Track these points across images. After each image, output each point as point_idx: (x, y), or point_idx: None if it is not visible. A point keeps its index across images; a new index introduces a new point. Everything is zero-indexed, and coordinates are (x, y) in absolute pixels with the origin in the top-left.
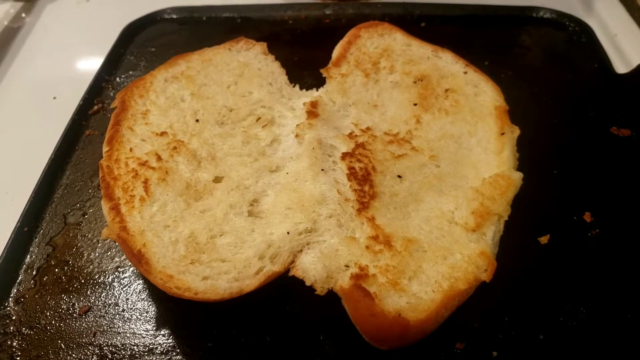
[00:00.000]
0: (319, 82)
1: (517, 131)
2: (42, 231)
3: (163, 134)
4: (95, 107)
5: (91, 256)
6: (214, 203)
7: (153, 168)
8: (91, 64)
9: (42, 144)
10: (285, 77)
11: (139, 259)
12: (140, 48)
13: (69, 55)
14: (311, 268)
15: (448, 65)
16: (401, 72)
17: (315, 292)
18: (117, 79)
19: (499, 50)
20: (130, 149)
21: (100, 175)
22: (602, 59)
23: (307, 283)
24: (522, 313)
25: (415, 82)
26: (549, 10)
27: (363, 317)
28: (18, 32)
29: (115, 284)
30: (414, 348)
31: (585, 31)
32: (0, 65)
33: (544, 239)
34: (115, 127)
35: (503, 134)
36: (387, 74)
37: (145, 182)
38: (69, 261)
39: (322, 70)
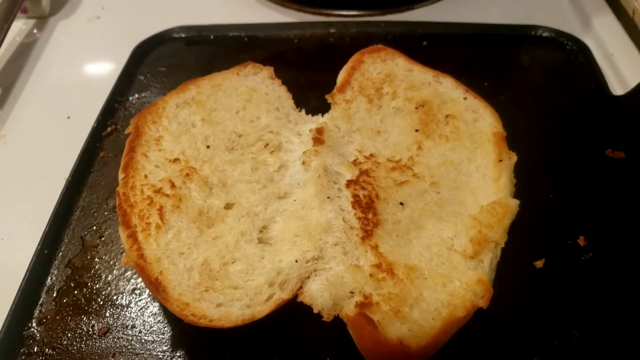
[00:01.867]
0: (324, 104)
1: (514, 157)
2: (61, 253)
3: (176, 160)
4: (109, 129)
5: (108, 278)
6: (226, 230)
7: (167, 195)
8: (103, 82)
9: (58, 165)
10: (292, 102)
11: (156, 287)
12: (151, 68)
13: (81, 73)
14: (318, 295)
15: (448, 90)
16: (403, 98)
17: (323, 319)
18: (129, 99)
19: (499, 71)
20: (145, 176)
21: (117, 203)
22: (598, 80)
23: (315, 310)
24: (517, 336)
25: (417, 108)
26: (547, 29)
27: (367, 343)
28: (31, 49)
29: (132, 306)
30: None
31: (582, 50)
32: (16, 81)
33: (539, 263)
34: (130, 154)
35: (501, 160)
36: (390, 100)
37: (160, 209)
38: (88, 283)
39: (327, 97)
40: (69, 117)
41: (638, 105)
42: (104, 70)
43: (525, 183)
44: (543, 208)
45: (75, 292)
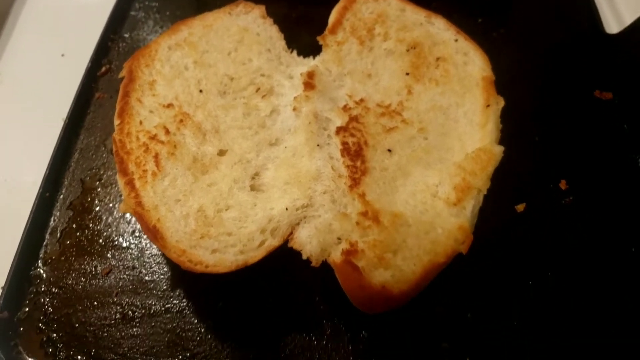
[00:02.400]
0: (316, 42)
1: (501, 102)
2: (62, 196)
3: (170, 105)
4: (104, 69)
5: (109, 220)
6: (219, 177)
7: (162, 142)
8: (96, 18)
9: (55, 105)
10: (284, 43)
11: (154, 235)
12: (143, 3)
13: (74, 9)
14: (307, 242)
15: (440, 32)
16: (395, 40)
17: (311, 265)
18: (123, 37)
19: (493, 6)
20: (140, 122)
21: (114, 150)
22: (593, 17)
23: (304, 256)
24: (495, 278)
25: (408, 50)
26: None
27: (352, 288)
28: None
29: (132, 247)
30: (397, 311)
31: None
32: (7, 19)
33: (520, 207)
34: (124, 99)
35: (488, 106)
36: (381, 41)
37: (156, 156)
38: (89, 225)
39: (318, 38)
40: (63, 55)
41: (632, 45)
42: (97, 5)
43: (511, 126)
44: (527, 152)
45: (78, 233)
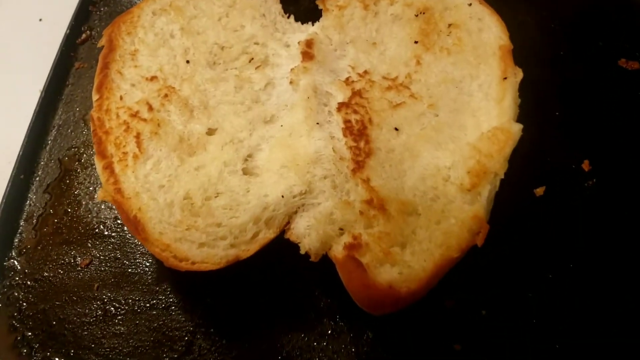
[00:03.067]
0: (316, 6)
1: (520, 74)
2: (38, 178)
3: (153, 78)
4: (84, 36)
5: (89, 205)
6: (208, 159)
7: (145, 120)
8: None
9: (30, 77)
10: (280, 7)
11: (135, 226)
12: None
13: None
14: (305, 234)
15: None
16: (402, 3)
17: (310, 259)
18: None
19: None
20: (121, 97)
21: (91, 129)
22: None
23: (302, 251)
24: (512, 270)
25: (417, 15)
26: None
27: (356, 287)
28: None
29: (114, 235)
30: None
31: None
32: None
33: (539, 191)
34: (103, 72)
35: (505, 78)
36: (388, 5)
37: (138, 136)
38: (68, 210)
39: (318, 2)
40: (40, 20)
41: None
42: None
43: (529, 100)
44: (546, 129)
45: (55, 220)
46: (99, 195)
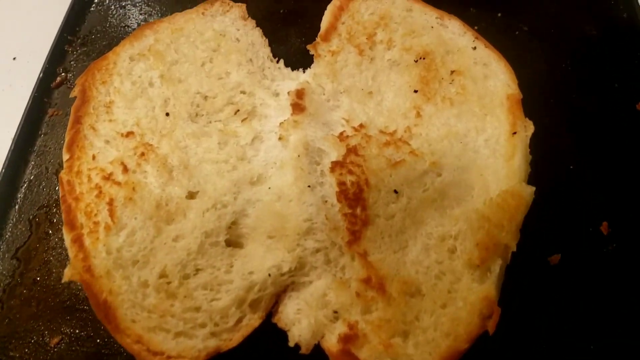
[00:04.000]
0: (307, 41)
1: (531, 128)
2: (6, 241)
3: (129, 134)
4: (58, 79)
5: (61, 274)
6: (188, 229)
7: (119, 183)
8: (54, 14)
9: (3, 120)
10: (268, 50)
11: (105, 312)
12: None
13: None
14: (295, 320)
15: (455, 37)
16: (400, 48)
17: (300, 352)
18: (82, 37)
19: None
20: (93, 156)
21: (60, 194)
22: (632, 6)
23: (291, 342)
24: (526, 354)
25: (416, 61)
26: None
27: None
28: None
29: (87, 309)
30: None
31: None
32: None
33: (554, 259)
34: (75, 127)
35: (515, 133)
36: (385, 50)
37: (111, 202)
38: (38, 279)
39: (309, 47)
40: (14, 59)
41: None
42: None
43: (540, 153)
44: (560, 186)
45: (24, 291)
46: (66, 274)
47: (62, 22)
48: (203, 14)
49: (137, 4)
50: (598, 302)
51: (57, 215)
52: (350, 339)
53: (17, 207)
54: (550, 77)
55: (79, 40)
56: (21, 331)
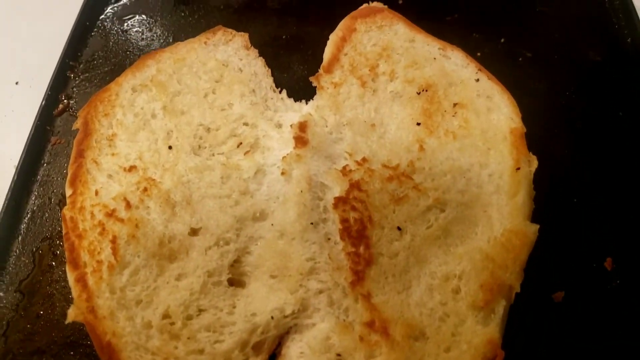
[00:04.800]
0: (310, 70)
1: (534, 163)
2: (9, 273)
3: (132, 168)
4: (61, 106)
5: (65, 309)
6: (191, 267)
7: (122, 220)
8: (57, 39)
9: (6, 147)
10: (271, 80)
11: (109, 355)
12: (108, 20)
13: (33, 27)
14: None
15: (457, 69)
16: (403, 79)
17: None
18: (84, 62)
19: (518, 21)
20: (96, 192)
21: (63, 231)
22: (637, 35)
23: None
24: None
25: (419, 93)
26: None
27: None
28: None
29: (90, 344)
30: None
31: None
32: None
33: (558, 296)
34: (78, 161)
35: (519, 168)
36: (387, 82)
37: (114, 240)
38: (41, 313)
39: (312, 79)
40: (17, 83)
41: None
42: (58, 24)
43: (544, 187)
44: (563, 222)
45: (28, 325)
46: (70, 314)
47: (64, 47)
48: (205, 43)
49: (139, 29)
50: (602, 339)
51: (60, 247)
52: None
53: (20, 238)
54: (554, 106)
55: (81, 66)
56: None
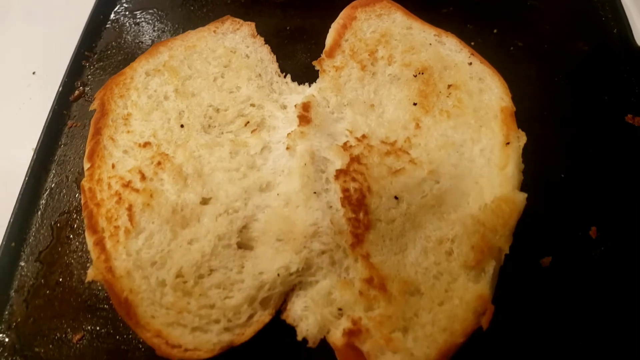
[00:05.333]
0: (313, 57)
1: (523, 138)
2: (30, 245)
3: (146, 144)
4: (77, 92)
5: (82, 276)
6: (202, 232)
7: (137, 190)
8: (72, 30)
9: (24, 134)
10: (276, 66)
11: (127, 310)
12: (123, 14)
13: (49, 19)
14: (302, 316)
15: (452, 53)
16: (400, 63)
17: (307, 345)
18: (99, 52)
19: (510, 14)
20: (113, 165)
21: (82, 200)
22: (622, 27)
23: (299, 337)
24: (519, 353)
25: (415, 76)
26: None
27: None
28: None
29: (107, 308)
30: None
31: None
32: None
33: (545, 261)
34: (95, 138)
35: (508, 143)
36: (385, 66)
37: (130, 208)
38: (60, 280)
39: (314, 63)
40: (34, 73)
41: None
42: (73, 15)
43: (533, 162)
44: (551, 194)
45: (47, 291)
46: (90, 274)
47: (79, 39)
48: (214, 31)
49: (151, 22)
50: (586, 301)
51: (77, 221)
52: (354, 333)
53: (39, 213)
54: (544, 90)
55: (96, 56)
56: (45, 329)
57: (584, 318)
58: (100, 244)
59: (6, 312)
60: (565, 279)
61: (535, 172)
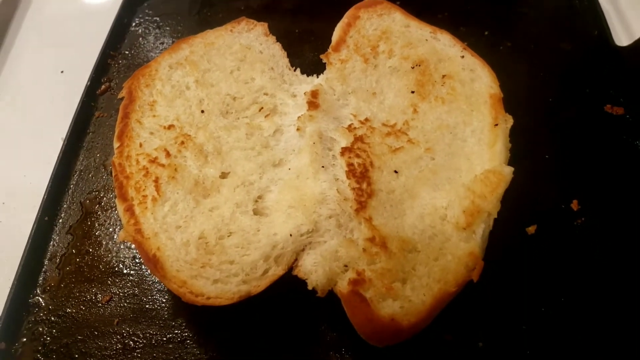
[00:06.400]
0: (320, 59)
1: (510, 121)
2: (61, 220)
3: (170, 127)
4: (103, 87)
5: (109, 246)
6: (221, 201)
7: (162, 165)
8: (96, 34)
9: (54, 125)
10: (287, 61)
11: (154, 264)
12: (144, 18)
13: (74, 25)
14: (312, 271)
15: (446, 48)
16: (400, 57)
17: (317, 295)
18: (123, 53)
19: (500, 18)
20: (140, 144)
21: (113, 174)
22: (602, 28)
23: (309, 287)
24: (507, 304)
25: (413, 68)
26: None
27: (360, 320)
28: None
29: (132, 273)
30: (405, 340)
31: None
32: (6, 35)
33: (531, 229)
34: (124, 121)
35: (497, 125)
36: (386, 59)
37: (156, 180)
38: (89, 250)
39: (322, 56)
40: (62, 72)
41: None
42: (97, 21)
43: (520, 144)
44: (537, 171)
45: (77, 259)
46: (120, 235)
47: (105, 40)
48: (231, 31)
49: (171, 25)
50: (567, 266)
51: (104, 199)
52: (358, 282)
53: (70, 191)
54: (530, 84)
55: (120, 56)
56: (76, 292)
57: (566, 278)
58: (130, 210)
59: (41, 278)
60: (549, 246)
61: (522, 153)
